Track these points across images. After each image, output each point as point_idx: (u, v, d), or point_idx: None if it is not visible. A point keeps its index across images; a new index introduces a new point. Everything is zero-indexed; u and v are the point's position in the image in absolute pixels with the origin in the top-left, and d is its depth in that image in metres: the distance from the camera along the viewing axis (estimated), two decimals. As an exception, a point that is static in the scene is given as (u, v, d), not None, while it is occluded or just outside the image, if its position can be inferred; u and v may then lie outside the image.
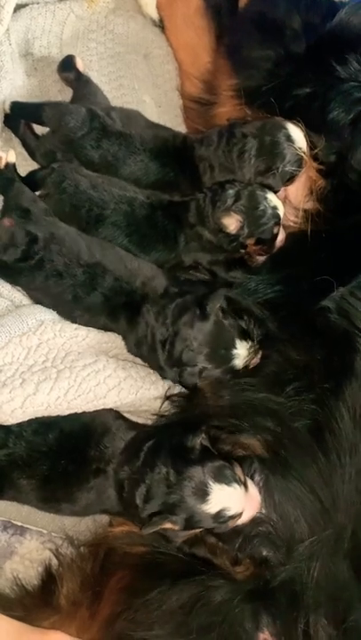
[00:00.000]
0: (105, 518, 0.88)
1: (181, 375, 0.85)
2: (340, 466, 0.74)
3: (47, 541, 0.89)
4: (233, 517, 0.74)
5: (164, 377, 0.90)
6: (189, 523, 0.74)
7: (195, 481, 0.74)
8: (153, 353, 0.87)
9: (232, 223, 0.92)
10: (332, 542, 0.73)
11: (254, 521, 0.77)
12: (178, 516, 0.74)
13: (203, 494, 0.73)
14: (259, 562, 0.77)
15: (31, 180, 0.96)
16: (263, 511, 0.77)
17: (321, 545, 0.73)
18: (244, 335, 0.84)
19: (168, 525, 0.74)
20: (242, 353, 0.83)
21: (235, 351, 0.83)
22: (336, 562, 0.72)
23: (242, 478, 0.75)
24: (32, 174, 0.98)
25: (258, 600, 0.74)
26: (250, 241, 0.93)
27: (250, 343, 0.84)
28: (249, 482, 0.77)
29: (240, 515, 0.74)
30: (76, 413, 0.85)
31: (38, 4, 1.15)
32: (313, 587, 0.72)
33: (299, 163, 0.96)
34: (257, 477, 0.78)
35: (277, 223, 0.94)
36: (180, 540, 0.79)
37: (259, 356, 0.85)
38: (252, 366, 0.85)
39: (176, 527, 0.74)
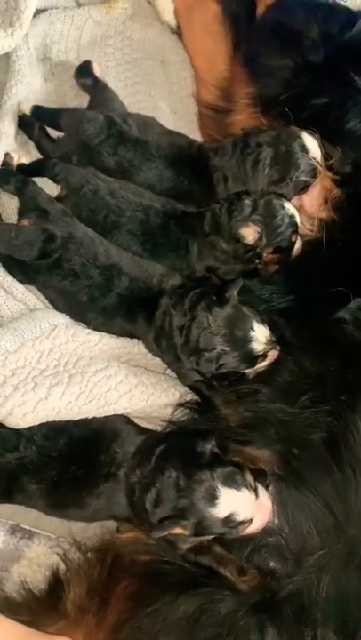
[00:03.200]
0: (112, 524, 0.88)
1: (198, 363, 0.84)
2: (355, 479, 0.74)
3: (55, 546, 0.88)
4: (243, 523, 0.74)
5: (180, 371, 0.89)
6: (199, 528, 0.74)
7: (204, 485, 0.74)
8: (170, 341, 0.86)
9: (250, 233, 0.91)
10: (344, 556, 0.73)
11: (265, 531, 0.76)
12: (188, 521, 0.74)
13: (212, 498, 0.73)
14: (266, 572, 0.77)
15: (41, 169, 0.97)
16: (275, 522, 0.77)
17: (332, 558, 0.73)
18: (262, 320, 0.84)
19: (178, 530, 0.74)
20: (259, 336, 0.83)
21: (252, 333, 0.82)
22: (348, 576, 0.72)
23: (252, 484, 0.75)
24: (43, 164, 0.99)
25: (264, 612, 0.73)
26: (267, 250, 0.93)
27: (268, 330, 0.84)
28: (261, 489, 0.76)
29: (250, 521, 0.74)
30: (86, 419, 0.85)
31: (57, 9, 1.16)
32: (322, 600, 0.71)
33: (313, 172, 0.96)
34: (270, 488, 0.78)
35: (295, 231, 0.94)
36: (187, 547, 0.78)
37: (276, 352, 0.84)
38: (270, 361, 0.84)
39: (186, 532, 0.74)
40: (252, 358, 0.84)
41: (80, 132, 0.96)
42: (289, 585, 0.74)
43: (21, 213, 0.93)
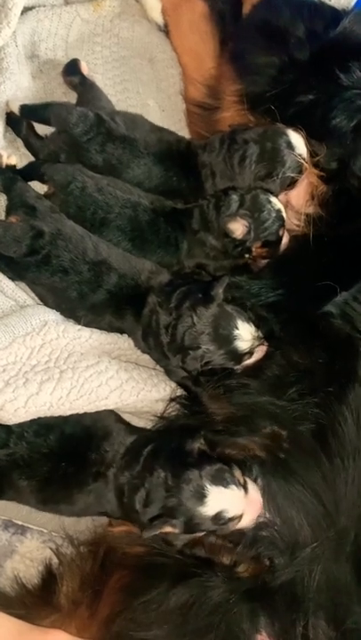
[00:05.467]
0: (105, 518, 0.88)
1: (184, 361, 0.85)
2: (344, 469, 0.75)
3: (48, 540, 0.89)
4: (233, 519, 0.75)
5: (168, 368, 0.90)
6: (189, 526, 0.75)
7: (192, 484, 0.74)
8: (157, 339, 0.87)
9: (238, 228, 0.93)
10: (335, 546, 0.74)
11: (258, 525, 0.77)
12: (177, 520, 0.74)
13: (200, 497, 0.74)
14: (261, 564, 0.77)
15: (31, 172, 0.97)
16: (267, 515, 0.77)
17: (323, 548, 0.74)
18: (247, 318, 0.85)
19: (168, 529, 0.75)
20: (244, 334, 0.84)
21: (236, 332, 0.84)
22: (338, 565, 0.73)
23: (241, 480, 0.76)
24: (32, 166, 0.99)
25: (256, 601, 0.75)
26: (256, 245, 0.94)
27: (253, 327, 0.85)
28: (250, 484, 0.77)
29: (240, 517, 0.75)
30: (77, 416, 0.85)
31: (45, 6, 1.16)
32: (314, 589, 0.73)
33: (299, 169, 0.97)
34: (259, 481, 0.78)
35: (282, 225, 0.95)
36: (182, 544, 0.79)
37: (264, 347, 0.85)
38: (257, 357, 0.85)
39: (176, 530, 0.75)
40: (238, 356, 0.85)
41: (69, 127, 0.96)
42: (282, 576, 0.75)
43: (9, 210, 0.93)
